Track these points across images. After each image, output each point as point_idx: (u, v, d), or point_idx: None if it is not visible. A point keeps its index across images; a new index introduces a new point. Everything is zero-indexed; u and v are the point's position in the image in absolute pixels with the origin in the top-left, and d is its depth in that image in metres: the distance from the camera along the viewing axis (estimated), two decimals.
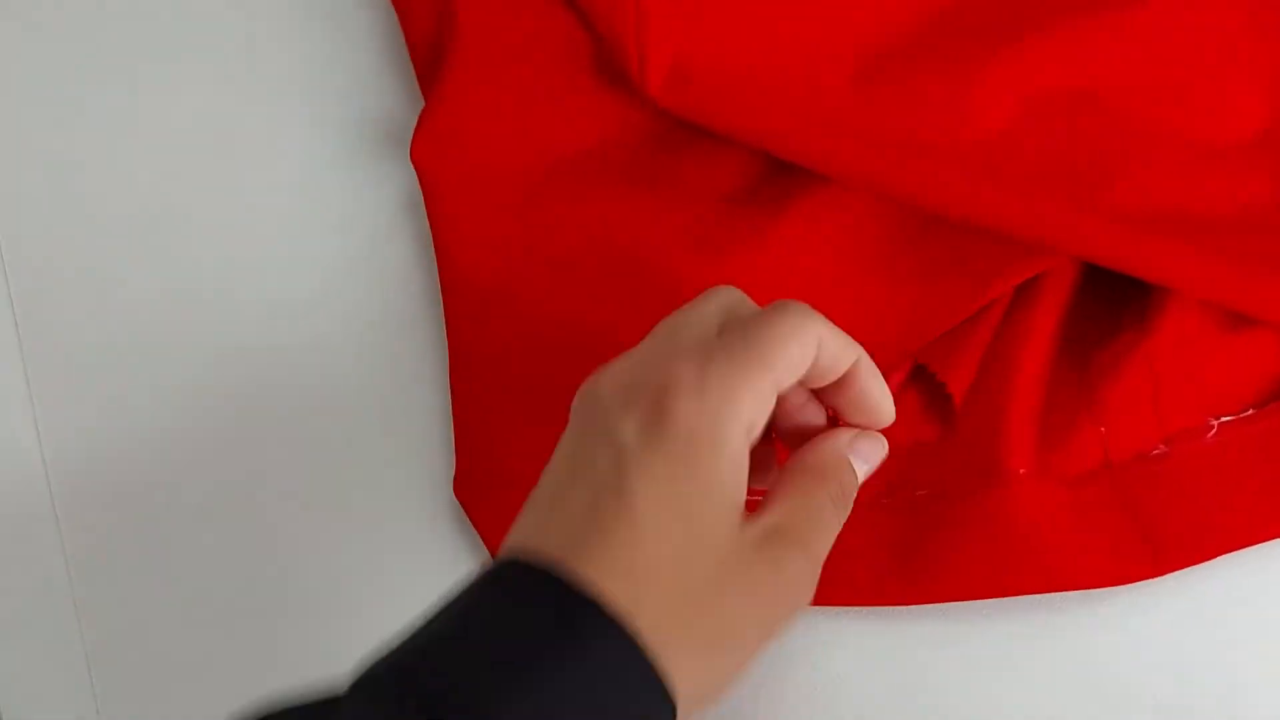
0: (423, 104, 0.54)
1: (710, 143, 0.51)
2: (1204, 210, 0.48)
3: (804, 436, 0.42)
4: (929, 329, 0.49)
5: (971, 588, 0.47)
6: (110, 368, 0.54)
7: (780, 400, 0.38)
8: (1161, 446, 0.48)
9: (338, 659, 0.35)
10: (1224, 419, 0.48)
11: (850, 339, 0.39)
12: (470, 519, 0.51)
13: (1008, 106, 0.49)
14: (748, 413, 0.36)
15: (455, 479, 0.51)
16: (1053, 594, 0.47)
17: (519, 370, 0.51)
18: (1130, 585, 0.47)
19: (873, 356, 0.41)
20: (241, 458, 0.53)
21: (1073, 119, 0.49)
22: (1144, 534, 0.47)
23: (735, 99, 0.49)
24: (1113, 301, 0.49)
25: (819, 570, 0.38)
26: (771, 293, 0.49)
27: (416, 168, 0.52)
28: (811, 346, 0.38)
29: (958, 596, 0.47)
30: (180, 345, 0.54)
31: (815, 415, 0.42)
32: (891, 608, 0.49)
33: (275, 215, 0.55)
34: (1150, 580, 0.47)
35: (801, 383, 0.39)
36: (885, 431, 0.42)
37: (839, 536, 0.40)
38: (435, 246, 0.52)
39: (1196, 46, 0.49)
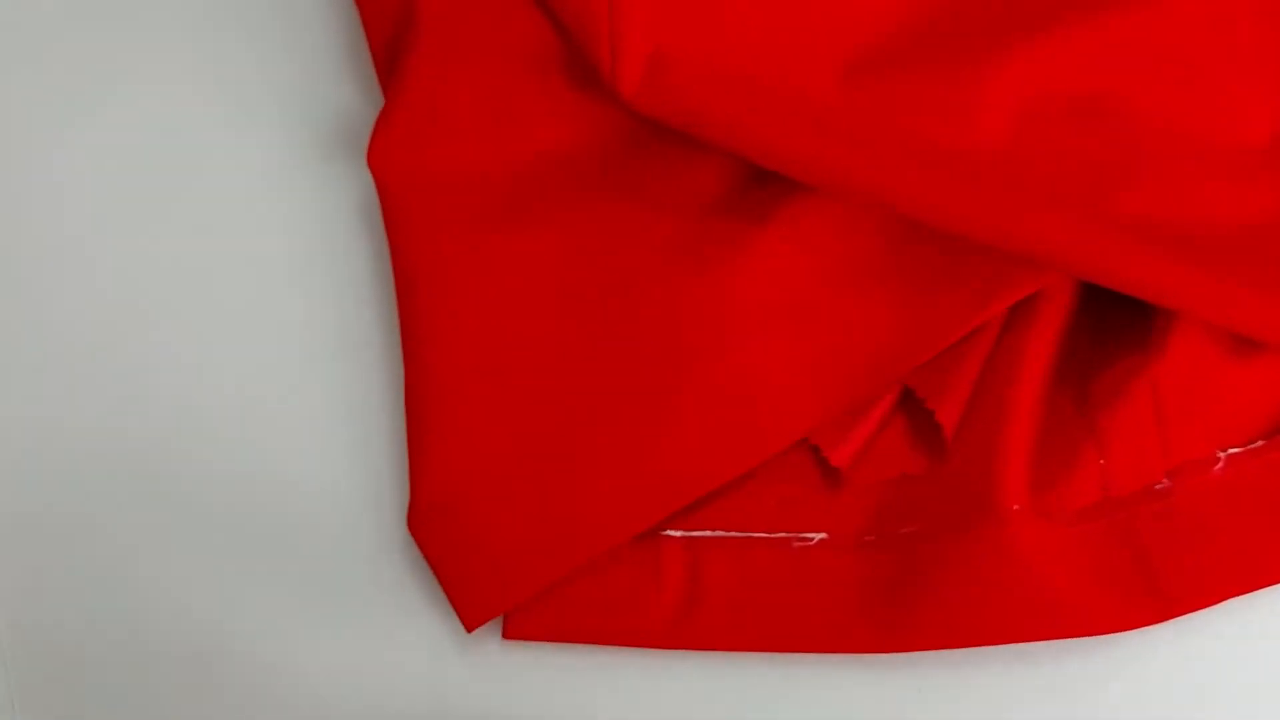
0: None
1: (687, 149, 0.47)
2: (1212, 223, 0.45)
3: None
4: (918, 351, 0.46)
5: (961, 634, 0.44)
6: (43, 379, 0.51)
7: None
8: (1165, 480, 0.45)
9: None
10: (1231, 451, 0.46)
11: None
12: (426, 556, 0.47)
13: (1007, 110, 0.46)
14: None
15: (410, 512, 0.47)
16: (1048, 641, 0.44)
17: (480, 393, 0.47)
18: (1132, 631, 0.44)
19: (857, 381, 0.39)
20: (179, 472, 0.50)
21: (1076, 124, 0.46)
22: (1148, 576, 0.44)
23: (714, 101, 0.46)
24: (1112, 323, 0.46)
25: None
26: (750, 309, 0.46)
27: (374, 174, 0.49)
28: None
29: (946, 644, 0.44)
30: (118, 355, 0.51)
31: None
32: (874, 655, 0.46)
33: (225, 218, 0.52)
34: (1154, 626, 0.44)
35: None
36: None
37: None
38: (392, 258, 0.49)
39: (1206, 48, 0.46)
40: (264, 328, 0.51)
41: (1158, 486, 0.45)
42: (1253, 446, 0.46)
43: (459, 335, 0.47)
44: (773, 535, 0.46)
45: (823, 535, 0.45)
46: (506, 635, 0.46)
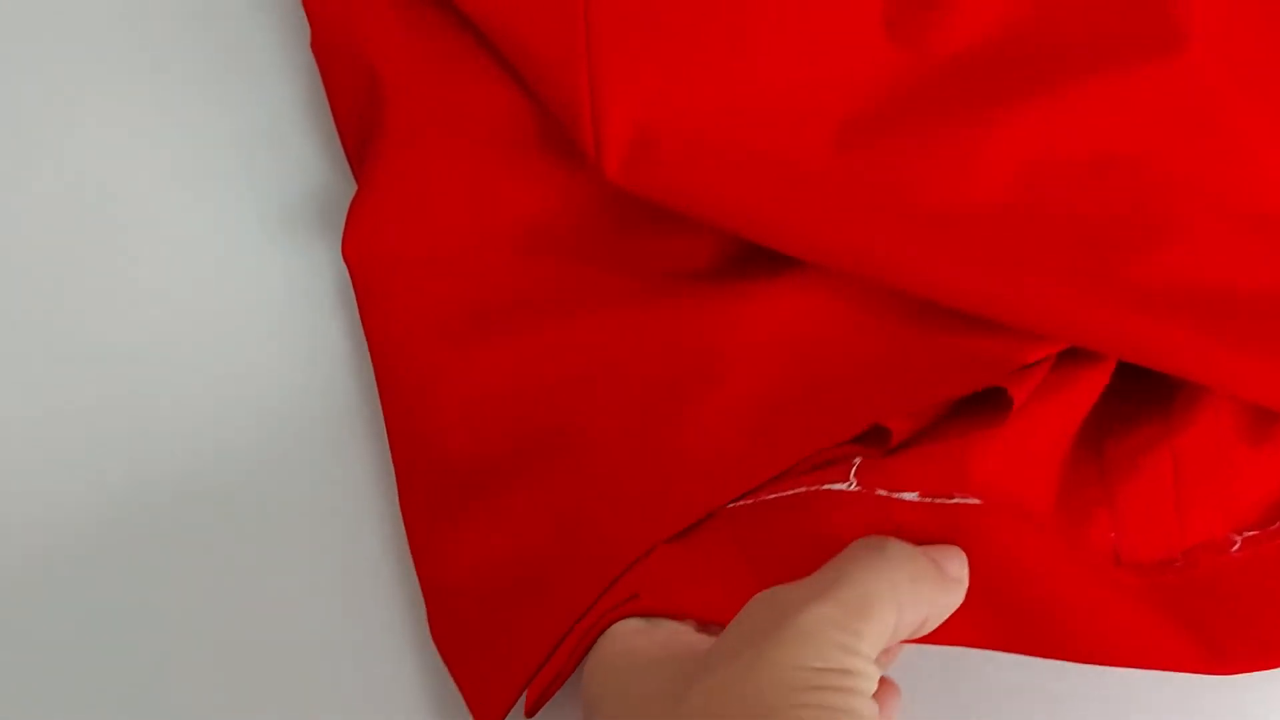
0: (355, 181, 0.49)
1: (673, 223, 0.45)
2: (1233, 291, 0.42)
3: None
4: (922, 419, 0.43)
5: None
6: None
7: None
8: (1179, 559, 0.43)
9: None
10: (1248, 533, 0.43)
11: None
12: (446, 663, 0.43)
13: (1007, 171, 0.44)
14: None
15: (430, 618, 0.44)
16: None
17: (476, 486, 0.44)
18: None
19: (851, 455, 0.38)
20: (150, 596, 0.46)
21: (1086, 186, 0.44)
22: (1185, 627, 0.41)
23: (702, 176, 0.44)
24: (1135, 379, 0.43)
25: None
26: (739, 386, 0.44)
27: (348, 264, 0.47)
28: None
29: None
30: (83, 450, 0.47)
31: None
32: None
33: (191, 304, 0.49)
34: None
35: None
36: None
37: None
38: (372, 354, 0.47)
39: (1225, 104, 0.44)
40: (240, 418, 0.47)
41: (1174, 563, 0.43)
42: (1272, 528, 0.43)
43: (447, 428, 0.45)
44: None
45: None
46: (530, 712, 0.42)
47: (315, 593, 0.45)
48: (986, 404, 0.42)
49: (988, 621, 0.39)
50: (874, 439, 0.42)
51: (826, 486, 0.41)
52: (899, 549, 0.35)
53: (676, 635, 0.38)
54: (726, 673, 0.32)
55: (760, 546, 0.41)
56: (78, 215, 0.50)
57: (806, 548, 0.39)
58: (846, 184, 0.44)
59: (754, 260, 0.45)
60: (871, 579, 0.33)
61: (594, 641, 0.39)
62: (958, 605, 0.37)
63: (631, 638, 0.38)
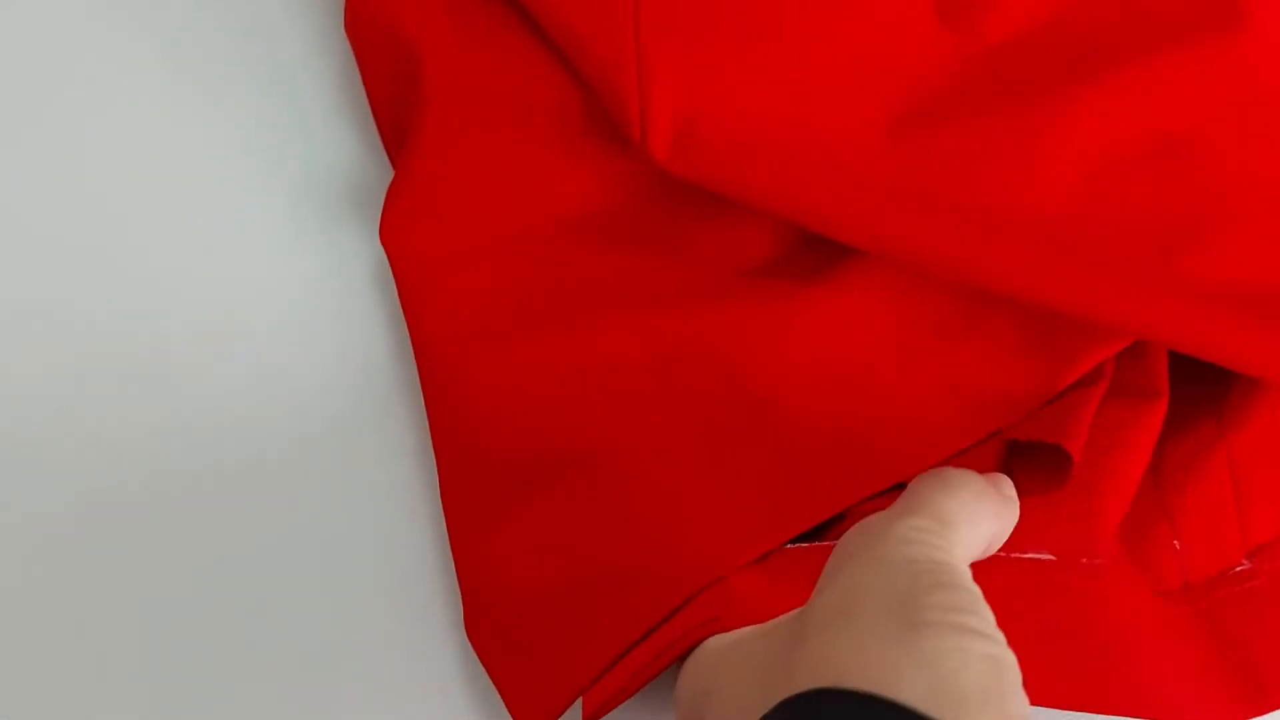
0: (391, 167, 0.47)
1: (726, 210, 0.44)
2: None
3: None
4: (985, 421, 0.42)
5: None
6: (36, 459, 0.45)
7: None
8: (1245, 562, 0.42)
9: None
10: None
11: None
12: (485, 665, 0.42)
13: (1069, 163, 0.43)
14: None
15: (466, 618, 0.42)
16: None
17: (520, 481, 0.43)
18: None
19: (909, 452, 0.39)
20: (183, 592, 0.44)
21: (1147, 176, 0.43)
22: (1238, 666, 0.41)
23: (752, 164, 0.42)
24: (1182, 383, 0.43)
25: None
26: (800, 376, 0.42)
27: (387, 252, 0.45)
28: None
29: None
30: (115, 445, 0.45)
31: None
32: None
33: (224, 297, 0.47)
34: None
35: None
36: None
37: None
38: (414, 345, 0.45)
39: None
40: (275, 408, 0.46)
41: (1238, 569, 0.42)
42: None
43: (491, 426, 0.43)
44: None
45: None
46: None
47: (353, 593, 0.44)
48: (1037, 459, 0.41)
49: (1066, 679, 0.39)
50: None
51: None
52: (957, 473, 0.35)
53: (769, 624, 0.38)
54: (844, 581, 0.32)
55: None
56: (107, 205, 0.48)
57: None
58: (901, 175, 0.43)
59: (812, 248, 0.44)
60: (943, 498, 0.34)
61: (674, 659, 0.38)
62: (1014, 524, 0.36)
63: (723, 639, 0.37)
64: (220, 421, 0.45)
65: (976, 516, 0.34)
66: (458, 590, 0.43)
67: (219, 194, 0.49)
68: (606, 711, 0.39)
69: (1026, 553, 0.40)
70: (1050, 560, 0.40)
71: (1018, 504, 0.37)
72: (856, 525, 0.34)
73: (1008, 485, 0.37)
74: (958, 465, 0.37)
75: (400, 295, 0.45)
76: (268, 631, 0.43)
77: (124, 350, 0.47)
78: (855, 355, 0.43)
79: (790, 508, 0.41)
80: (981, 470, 0.36)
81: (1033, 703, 0.36)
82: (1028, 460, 0.42)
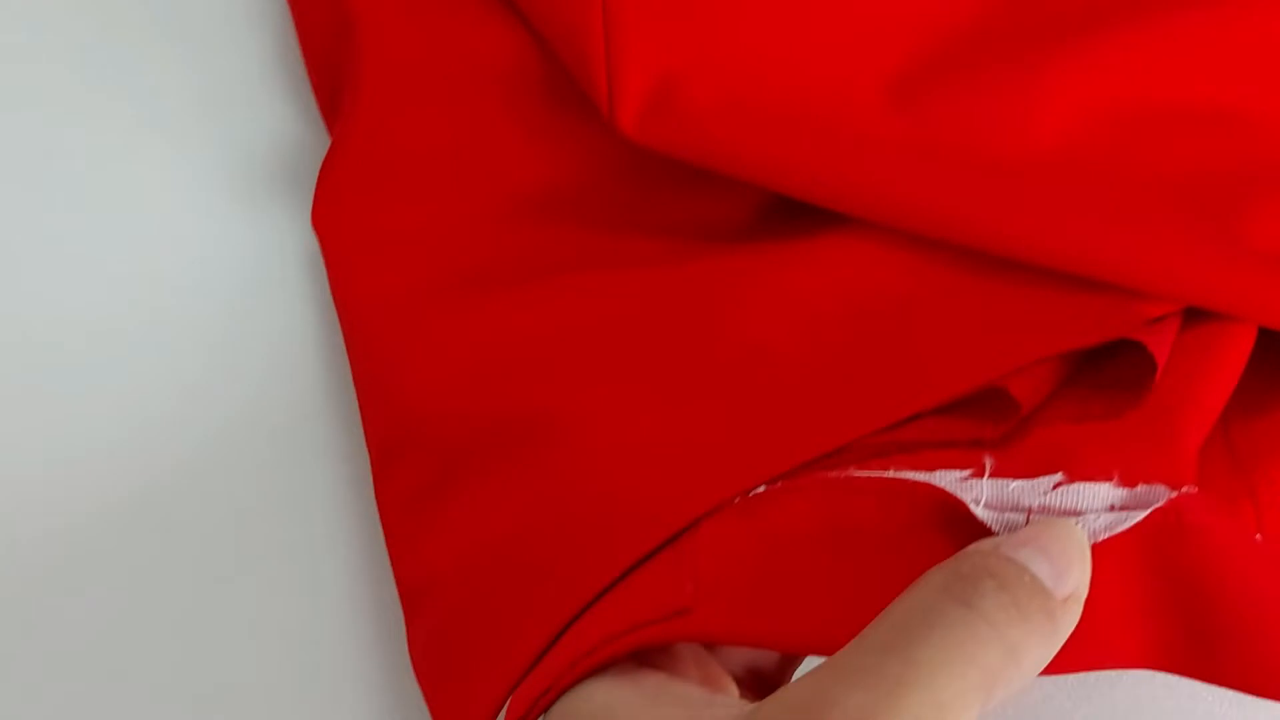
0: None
1: (702, 180, 0.39)
2: None
3: None
4: (978, 376, 0.35)
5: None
6: None
7: None
8: None
9: None
10: None
11: None
12: (417, 676, 0.36)
13: (1088, 118, 0.38)
14: None
15: (407, 625, 0.37)
16: None
17: (458, 475, 0.37)
18: None
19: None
20: (105, 590, 0.40)
21: (1183, 133, 0.38)
22: None
23: (740, 126, 0.38)
24: (1256, 351, 0.37)
25: None
26: (791, 318, 0.37)
27: (320, 237, 0.41)
28: None
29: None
30: (21, 441, 0.41)
31: None
32: None
33: (146, 276, 0.43)
34: None
35: None
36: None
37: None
38: (346, 338, 0.40)
39: None
40: (199, 404, 0.41)
41: None
42: None
43: (426, 403, 0.38)
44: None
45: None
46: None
47: (286, 594, 0.40)
48: (1108, 377, 0.35)
49: (1176, 641, 0.31)
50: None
51: (942, 476, 0.32)
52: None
53: (666, 690, 0.30)
54: None
55: (849, 544, 0.32)
56: (15, 181, 0.44)
57: (919, 551, 0.31)
58: (901, 135, 0.38)
59: (798, 216, 0.39)
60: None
61: (611, 657, 0.31)
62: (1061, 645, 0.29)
63: (611, 692, 0.30)
64: (141, 414, 0.41)
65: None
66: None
67: (140, 168, 0.44)
68: (539, 712, 0.32)
69: (1095, 481, 0.32)
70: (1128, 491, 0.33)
71: (1083, 597, 0.29)
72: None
73: (1076, 571, 0.29)
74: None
75: (331, 280, 0.41)
76: (196, 634, 0.39)
77: (35, 337, 0.42)
78: (862, 289, 0.37)
79: (775, 446, 0.34)
80: (1033, 391, 0.31)
81: (1122, 666, 0.30)
82: (1089, 385, 0.36)
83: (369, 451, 0.39)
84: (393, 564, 0.38)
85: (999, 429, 0.34)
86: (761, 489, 0.33)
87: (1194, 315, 0.36)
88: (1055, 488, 0.32)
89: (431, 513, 0.37)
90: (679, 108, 0.38)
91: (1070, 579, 0.29)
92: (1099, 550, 0.30)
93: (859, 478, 0.32)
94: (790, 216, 0.39)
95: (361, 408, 0.39)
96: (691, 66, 0.38)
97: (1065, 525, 0.30)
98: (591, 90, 0.38)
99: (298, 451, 0.41)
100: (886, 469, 0.32)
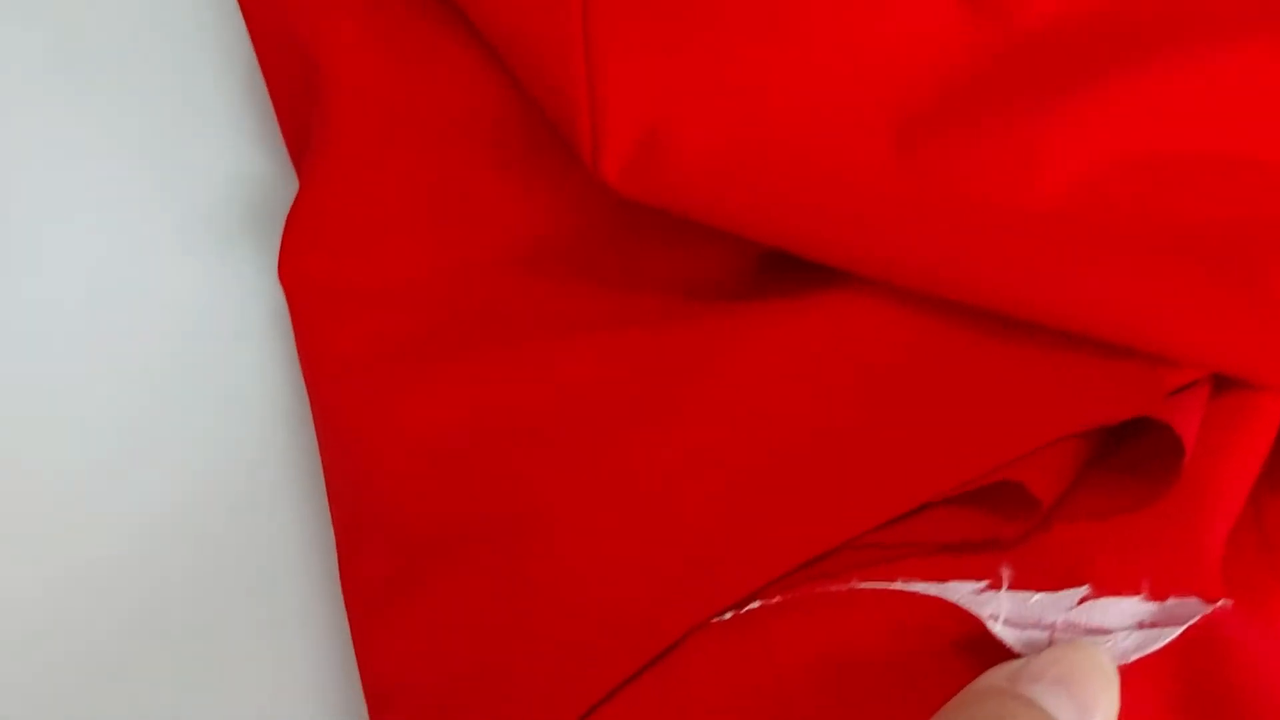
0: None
1: (688, 234, 0.37)
2: None
3: None
4: (969, 469, 0.33)
5: None
6: None
7: None
8: None
9: None
10: None
11: None
12: None
13: (1105, 163, 0.35)
14: None
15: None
16: None
17: (430, 565, 0.35)
18: None
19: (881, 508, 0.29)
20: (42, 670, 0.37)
21: (1207, 180, 0.35)
22: None
23: (733, 178, 0.35)
24: None
25: None
26: (775, 432, 0.34)
27: (285, 288, 0.38)
28: None
29: None
30: None
31: None
32: None
33: (99, 329, 0.41)
34: None
35: None
36: None
37: None
38: (311, 399, 0.38)
39: None
40: (158, 457, 0.39)
41: None
42: None
43: (395, 484, 0.36)
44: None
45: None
46: None
47: (247, 681, 0.37)
48: (1132, 454, 0.32)
49: None
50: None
51: (956, 588, 0.30)
52: None
53: None
54: None
55: (855, 678, 0.30)
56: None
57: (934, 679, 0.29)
58: (906, 186, 0.35)
59: (796, 271, 0.36)
60: None
61: None
62: None
63: None
64: (91, 474, 0.39)
65: None
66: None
67: (99, 212, 0.42)
68: None
69: (1122, 595, 0.30)
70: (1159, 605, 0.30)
71: None
72: None
73: (1104, 707, 0.27)
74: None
75: (296, 339, 0.38)
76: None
77: None
78: (864, 355, 0.35)
79: (773, 543, 0.32)
80: (1054, 481, 0.28)
81: None
82: (1109, 470, 0.33)
83: (335, 534, 0.36)
84: (358, 660, 0.35)
85: (1018, 527, 0.31)
86: (756, 604, 0.30)
87: (1220, 384, 0.33)
88: (1080, 603, 0.29)
89: (397, 610, 0.34)
90: (667, 159, 0.35)
91: (1096, 717, 0.26)
92: (1127, 674, 0.28)
93: (864, 591, 0.30)
94: (790, 269, 0.36)
95: (327, 485, 0.37)
96: (681, 116, 0.35)
97: (1090, 653, 0.27)
98: (574, 140, 0.35)
99: (261, 527, 0.38)
100: (894, 578, 0.30)
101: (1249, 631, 0.29)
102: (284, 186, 0.41)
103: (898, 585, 0.30)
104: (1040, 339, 0.33)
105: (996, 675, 0.27)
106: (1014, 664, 0.27)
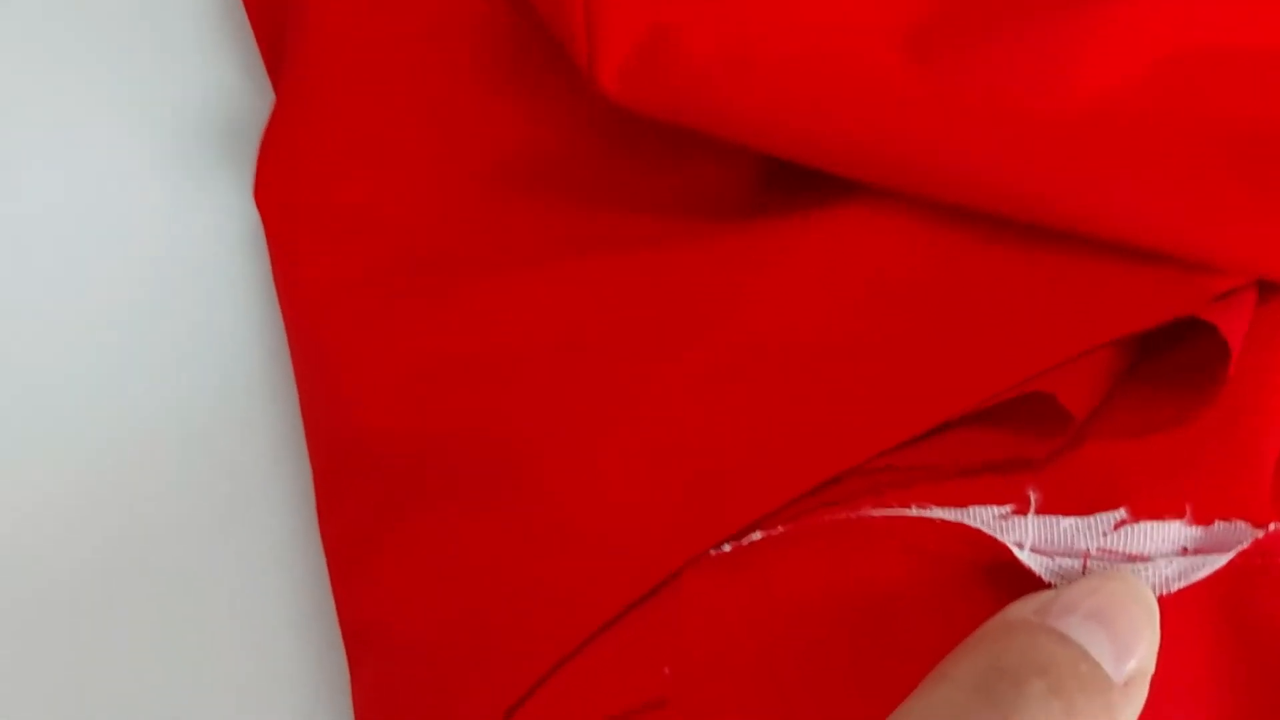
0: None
1: (694, 148, 0.35)
2: None
3: None
4: (980, 389, 0.30)
5: None
6: None
7: None
8: None
9: None
10: None
11: None
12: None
13: (1142, 60, 0.33)
14: None
15: (352, 676, 0.33)
16: None
17: (412, 501, 0.33)
18: None
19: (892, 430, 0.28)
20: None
21: (1250, 76, 0.33)
22: None
23: (741, 82, 0.32)
24: None
25: None
26: (783, 354, 0.31)
27: (261, 212, 0.37)
28: None
29: None
30: None
31: None
32: None
33: (70, 256, 0.39)
34: None
35: None
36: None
37: None
38: (289, 341, 0.36)
39: None
40: (127, 395, 0.37)
41: None
42: None
43: (377, 417, 0.34)
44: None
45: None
46: None
47: (219, 624, 0.35)
48: (1171, 367, 0.30)
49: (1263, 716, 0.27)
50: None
51: (977, 513, 0.28)
52: (1040, 713, 0.23)
53: None
54: None
55: (867, 612, 0.28)
56: None
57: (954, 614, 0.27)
58: (928, 86, 0.32)
59: (805, 185, 0.34)
60: None
61: None
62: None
63: None
64: (58, 402, 0.37)
65: None
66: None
67: (65, 133, 0.40)
68: None
69: (1163, 519, 0.28)
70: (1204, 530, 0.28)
71: (1150, 670, 0.25)
72: None
73: (1144, 644, 0.25)
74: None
75: (273, 265, 0.36)
76: (113, 666, 0.35)
77: None
78: (880, 270, 0.32)
79: (778, 468, 0.30)
80: (1087, 394, 0.26)
81: None
82: (1146, 383, 0.31)
83: (313, 472, 0.34)
84: (336, 603, 0.33)
85: (1047, 445, 0.29)
86: (757, 535, 0.28)
87: (1265, 291, 0.31)
88: (1116, 527, 0.27)
89: (377, 548, 0.32)
90: (670, 62, 0.33)
91: (1135, 655, 0.24)
92: (1168, 605, 0.25)
93: (876, 518, 0.27)
94: (797, 185, 0.34)
95: (304, 418, 0.35)
96: (684, 15, 0.33)
97: (1129, 583, 0.25)
98: (567, 44, 0.33)
99: (236, 466, 0.36)
100: (908, 505, 0.27)
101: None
102: (261, 103, 0.39)
103: (912, 511, 0.27)
104: (1070, 248, 0.31)
105: (1024, 607, 0.25)
106: (1043, 595, 0.25)
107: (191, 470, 0.36)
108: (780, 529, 0.28)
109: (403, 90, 0.36)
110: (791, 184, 0.35)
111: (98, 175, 0.39)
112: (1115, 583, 0.25)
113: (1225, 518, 0.27)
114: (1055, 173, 0.31)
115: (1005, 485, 0.28)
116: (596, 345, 0.32)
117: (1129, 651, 0.24)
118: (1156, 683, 0.25)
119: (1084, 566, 0.26)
